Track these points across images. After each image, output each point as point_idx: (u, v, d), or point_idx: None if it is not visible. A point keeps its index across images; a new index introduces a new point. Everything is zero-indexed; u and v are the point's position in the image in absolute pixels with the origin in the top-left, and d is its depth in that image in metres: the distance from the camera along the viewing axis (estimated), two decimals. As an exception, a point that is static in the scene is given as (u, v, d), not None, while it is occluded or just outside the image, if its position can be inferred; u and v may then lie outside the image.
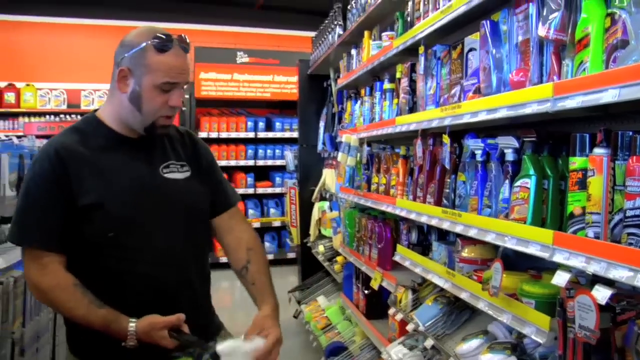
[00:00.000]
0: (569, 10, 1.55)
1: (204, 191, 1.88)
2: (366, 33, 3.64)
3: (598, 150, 1.42)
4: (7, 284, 2.56)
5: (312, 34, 5.78)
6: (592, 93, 1.35)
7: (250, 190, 8.27)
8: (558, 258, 1.49)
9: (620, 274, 1.26)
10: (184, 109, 7.92)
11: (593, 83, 1.35)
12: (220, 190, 1.96)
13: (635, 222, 1.28)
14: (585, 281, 1.61)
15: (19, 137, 7.48)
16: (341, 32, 4.33)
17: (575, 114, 1.61)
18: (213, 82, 8.39)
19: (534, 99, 1.59)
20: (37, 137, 6.28)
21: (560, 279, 1.45)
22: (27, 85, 8.82)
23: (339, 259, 4.47)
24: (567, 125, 1.89)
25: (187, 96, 7.90)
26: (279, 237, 8.38)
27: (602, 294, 1.30)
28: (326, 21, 4.93)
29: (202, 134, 8.05)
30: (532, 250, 1.60)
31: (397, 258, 2.88)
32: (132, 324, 1.60)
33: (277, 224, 8.29)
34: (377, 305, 3.52)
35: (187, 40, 1.72)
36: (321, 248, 4.97)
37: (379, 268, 3.20)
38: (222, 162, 8.02)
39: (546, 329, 1.56)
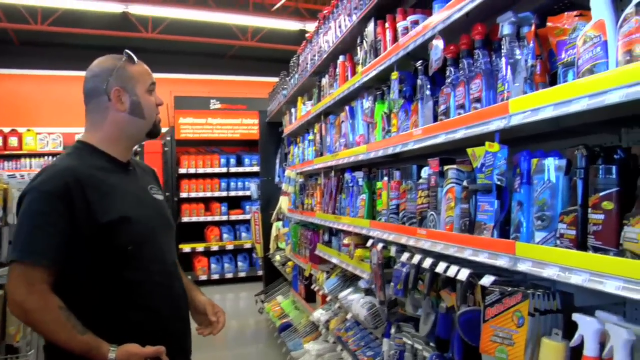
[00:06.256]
0: (374, 103, 3.03)
1: None
2: (299, 99, 5.12)
3: (385, 179, 2.88)
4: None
5: (275, 79, 6.87)
6: (376, 150, 2.82)
7: (225, 217, 9.64)
8: (372, 233, 2.93)
9: (386, 235, 2.70)
10: (166, 149, 9.25)
11: (377, 146, 2.82)
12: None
13: (393, 212, 2.72)
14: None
15: (21, 176, 8.82)
16: (286, 94, 5.81)
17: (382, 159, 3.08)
18: (190, 126, 9.77)
19: (360, 152, 3.06)
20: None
21: (369, 243, 2.90)
22: (28, 130, 10.18)
23: (289, 263, 5.88)
24: (398, 163, 3.35)
25: (168, 138, 9.27)
26: (250, 257, 9.67)
27: (380, 245, 2.75)
28: (277, 84, 6.43)
29: (182, 170, 9.44)
30: (363, 232, 3.05)
31: (316, 252, 4.31)
32: (112, 353, 1.61)
33: (248, 245, 9.56)
34: (312, 292, 4.94)
35: None
36: (277, 257, 6.38)
37: (310, 262, 4.62)
38: (200, 194, 9.45)
39: (369, 271, 2.99)
